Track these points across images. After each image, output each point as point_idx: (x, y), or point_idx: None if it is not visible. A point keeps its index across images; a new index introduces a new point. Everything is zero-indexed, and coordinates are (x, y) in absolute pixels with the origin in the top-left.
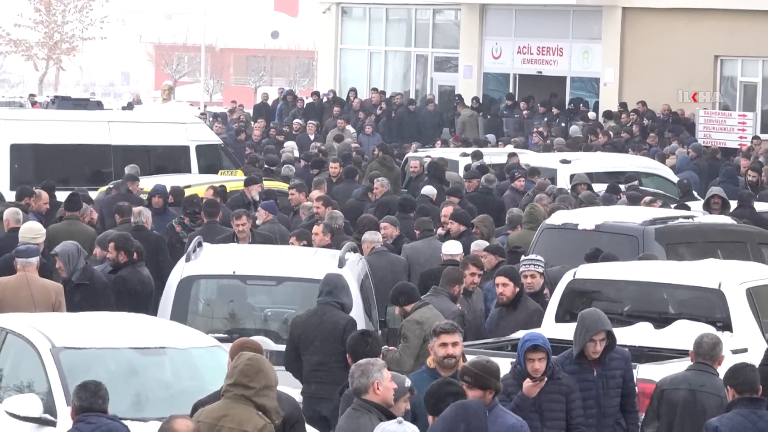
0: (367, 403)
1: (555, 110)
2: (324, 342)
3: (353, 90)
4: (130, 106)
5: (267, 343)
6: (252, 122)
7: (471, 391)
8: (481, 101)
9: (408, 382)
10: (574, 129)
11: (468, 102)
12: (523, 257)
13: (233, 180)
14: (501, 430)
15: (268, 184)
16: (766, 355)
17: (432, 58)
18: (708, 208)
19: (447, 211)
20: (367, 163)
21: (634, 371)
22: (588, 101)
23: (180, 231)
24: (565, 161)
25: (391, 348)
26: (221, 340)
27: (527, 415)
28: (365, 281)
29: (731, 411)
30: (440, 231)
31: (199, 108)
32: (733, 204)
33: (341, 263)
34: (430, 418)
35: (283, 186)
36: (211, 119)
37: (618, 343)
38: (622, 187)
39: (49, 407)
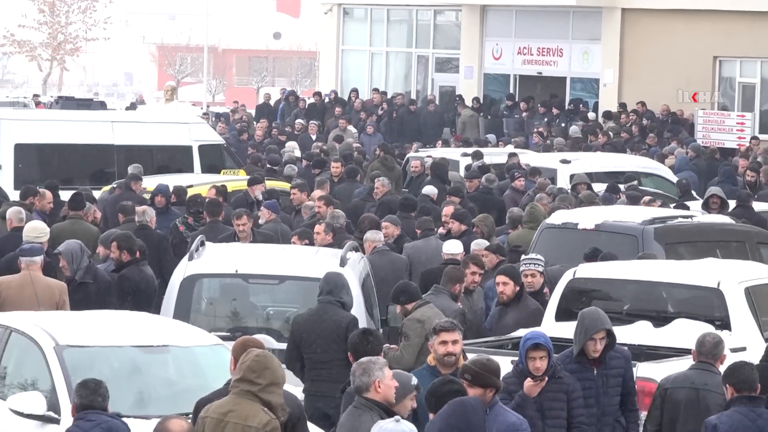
0: (368, 402)
1: (555, 111)
2: (326, 340)
3: (355, 90)
4: (133, 107)
5: (269, 342)
6: (254, 122)
7: (471, 389)
8: (481, 102)
9: (414, 380)
10: (574, 129)
11: (468, 102)
12: (523, 256)
13: (236, 180)
14: (501, 428)
15: (271, 184)
16: (767, 352)
17: (433, 59)
18: (707, 207)
19: (448, 210)
20: (368, 163)
21: (634, 369)
22: (588, 102)
23: (184, 230)
24: (565, 161)
25: (392, 346)
26: (224, 338)
27: (528, 413)
28: (367, 280)
29: (730, 409)
30: (441, 230)
31: (201, 108)
32: (732, 204)
33: (343, 262)
34: (431, 416)
35: (285, 185)
36: (213, 119)
37: (617, 341)
38: (622, 186)
39: (53, 405)
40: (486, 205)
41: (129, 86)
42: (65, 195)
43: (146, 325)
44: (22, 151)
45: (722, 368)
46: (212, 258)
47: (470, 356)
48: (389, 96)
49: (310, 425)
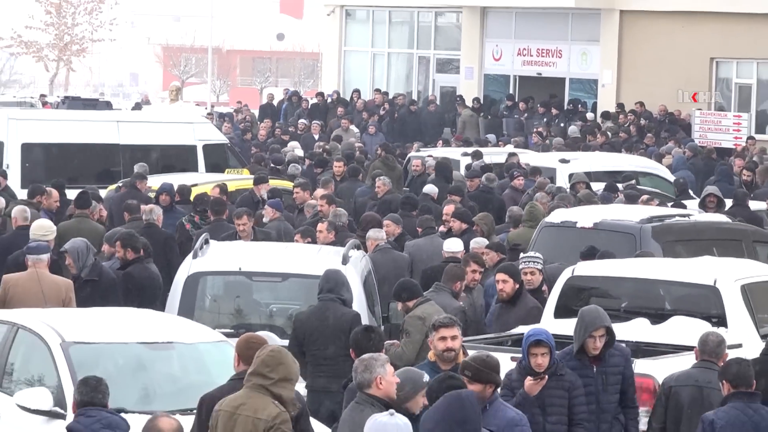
0: (370, 398)
1: (554, 111)
2: (328, 337)
3: (357, 91)
4: (138, 107)
5: (272, 338)
6: (258, 122)
7: (471, 385)
8: (481, 102)
9: (426, 377)
10: (573, 129)
11: (469, 103)
12: (522, 254)
13: (239, 179)
14: (501, 423)
15: (274, 183)
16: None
17: (434, 60)
18: (704, 206)
19: (449, 209)
20: (370, 163)
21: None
22: (586, 102)
23: (190, 229)
24: (564, 161)
25: (394, 342)
26: (227, 335)
27: (529, 410)
28: (368, 278)
29: (727, 405)
30: (442, 229)
31: (205, 108)
32: (728, 202)
33: (345, 260)
34: None
35: (288, 185)
36: (217, 119)
37: (615, 338)
38: (620, 186)
39: (59, 400)
40: (486, 204)
41: (134, 87)
42: (72, 194)
43: (151, 321)
44: (29, 150)
45: None
46: (216, 256)
47: (470, 353)
48: (391, 96)
49: (313, 421)
